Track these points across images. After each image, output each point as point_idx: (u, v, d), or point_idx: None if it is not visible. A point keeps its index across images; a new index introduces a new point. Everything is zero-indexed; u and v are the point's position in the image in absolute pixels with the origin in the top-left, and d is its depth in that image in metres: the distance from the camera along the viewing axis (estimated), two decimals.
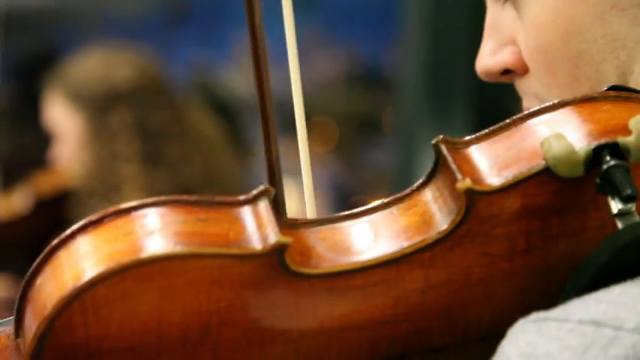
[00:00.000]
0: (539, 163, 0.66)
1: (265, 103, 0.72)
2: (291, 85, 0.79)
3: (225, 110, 3.57)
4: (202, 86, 4.61)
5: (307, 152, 0.78)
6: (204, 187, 2.33)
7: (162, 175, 2.32)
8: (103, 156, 2.33)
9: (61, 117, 2.39)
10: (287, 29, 0.79)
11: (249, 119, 4.31)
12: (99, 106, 2.35)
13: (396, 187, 3.71)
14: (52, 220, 2.40)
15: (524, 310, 0.63)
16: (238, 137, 3.38)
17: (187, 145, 2.38)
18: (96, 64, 2.40)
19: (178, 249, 0.64)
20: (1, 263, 2.62)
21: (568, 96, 0.71)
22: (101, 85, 2.36)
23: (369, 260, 0.67)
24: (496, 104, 3.45)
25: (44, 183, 2.49)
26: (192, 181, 2.33)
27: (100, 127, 2.35)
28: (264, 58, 0.72)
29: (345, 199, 4.16)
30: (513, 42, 0.77)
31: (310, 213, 0.78)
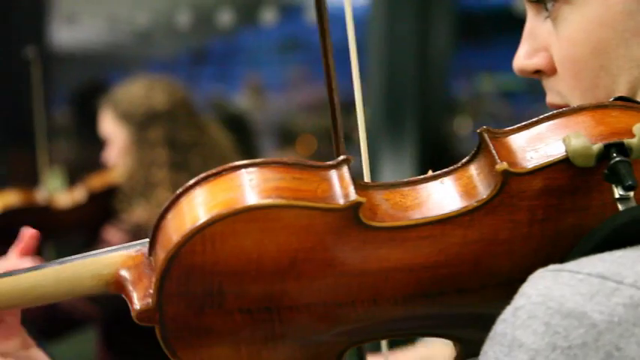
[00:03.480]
0: (560, 154, 0.64)
1: (334, 103, 0.74)
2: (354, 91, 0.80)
3: (235, 127, 3.55)
4: (218, 109, 4.58)
5: (365, 132, 0.78)
6: None
7: (187, 178, 2.28)
8: (142, 161, 2.30)
9: (111, 130, 2.37)
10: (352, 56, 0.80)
11: (253, 133, 4.29)
12: (140, 123, 2.33)
13: None
14: (102, 209, 2.38)
15: (535, 265, 0.61)
16: (245, 147, 3.35)
17: (207, 154, 2.35)
18: (139, 91, 2.38)
19: (278, 201, 0.63)
20: (64, 240, 2.60)
21: (587, 98, 0.70)
22: (142, 107, 2.34)
23: (422, 219, 0.66)
24: (435, 126, 3.45)
25: (97, 181, 2.47)
26: None
27: (141, 139, 2.32)
28: (331, 61, 0.76)
29: None
30: (546, 49, 0.74)
31: (366, 176, 0.78)
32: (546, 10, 0.73)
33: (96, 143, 2.53)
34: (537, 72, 0.75)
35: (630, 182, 0.61)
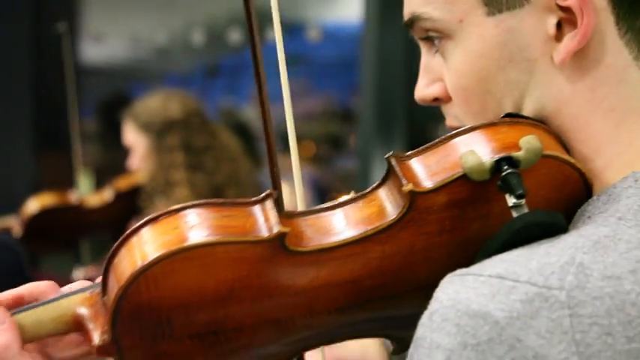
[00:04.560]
0: (458, 172, 0.64)
1: (268, 130, 0.70)
2: (286, 117, 0.77)
3: (243, 133, 3.56)
4: (228, 117, 4.60)
5: (298, 164, 0.76)
6: (229, 186, 2.32)
7: (200, 178, 2.31)
8: (161, 164, 2.32)
9: (134, 140, 2.39)
10: (282, 78, 0.78)
11: (259, 139, 4.31)
12: (158, 131, 2.35)
13: (357, 185, 3.72)
14: (128, 208, 2.40)
15: (450, 269, 0.62)
16: (252, 151, 3.37)
17: (218, 155, 2.37)
18: (156, 103, 2.39)
19: (210, 239, 0.63)
20: (94, 236, 2.62)
21: (479, 119, 0.70)
22: (160, 117, 2.35)
23: (343, 240, 0.66)
24: (421, 132, 3.46)
25: (123, 182, 2.49)
26: (221, 182, 2.32)
27: (159, 145, 2.34)
28: (266, 102, 0.71)
29: (321, 194, 4.16)
30: (441, 79, 0.74)
31: (300, 203, 0.77)
32: (435, 45, 0.73)
33: (120, 148, 2.55)
34: (436, 99, 0.75)
35: (520, 191, 0.62)
